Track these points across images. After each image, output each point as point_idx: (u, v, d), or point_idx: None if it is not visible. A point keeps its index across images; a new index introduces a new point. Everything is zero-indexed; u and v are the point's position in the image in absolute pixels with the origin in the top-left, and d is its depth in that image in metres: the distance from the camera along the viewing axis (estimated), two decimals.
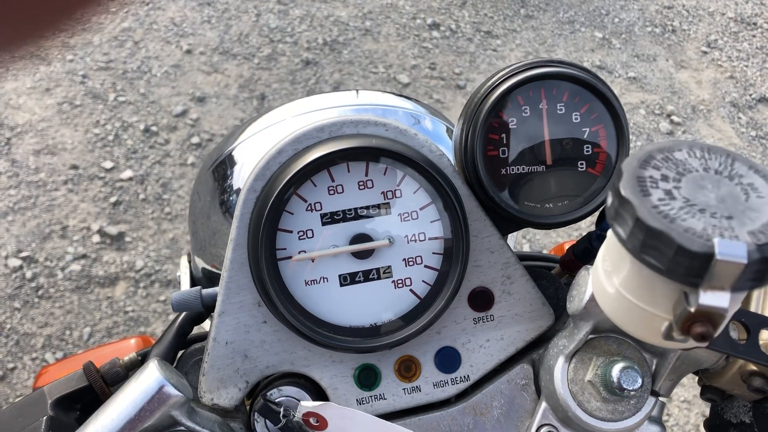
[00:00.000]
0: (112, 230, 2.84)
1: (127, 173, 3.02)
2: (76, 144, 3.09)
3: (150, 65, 3.46)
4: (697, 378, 0.79)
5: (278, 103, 1.34)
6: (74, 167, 3.01)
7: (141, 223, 2.89)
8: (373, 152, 0.71)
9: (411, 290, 0.76)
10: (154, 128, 3.19)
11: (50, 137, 3.11)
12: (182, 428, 0.68)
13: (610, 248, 0.59)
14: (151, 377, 0.66)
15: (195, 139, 3.17)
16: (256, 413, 0.74)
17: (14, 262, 2.71)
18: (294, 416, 0.72)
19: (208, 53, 3.56)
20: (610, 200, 0.53)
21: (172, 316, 2.85)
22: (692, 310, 0.49)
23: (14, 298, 2.65)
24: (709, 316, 0.49)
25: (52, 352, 2.56)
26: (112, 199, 2.93)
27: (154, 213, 2.92)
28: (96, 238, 2.82)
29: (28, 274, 2.70)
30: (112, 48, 3.50)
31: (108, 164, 3.04)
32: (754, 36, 4.26)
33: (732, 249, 0.47)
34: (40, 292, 2.67)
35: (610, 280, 0.58)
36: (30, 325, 2.60)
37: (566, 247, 1.27)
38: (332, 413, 0.70)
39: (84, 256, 2.77)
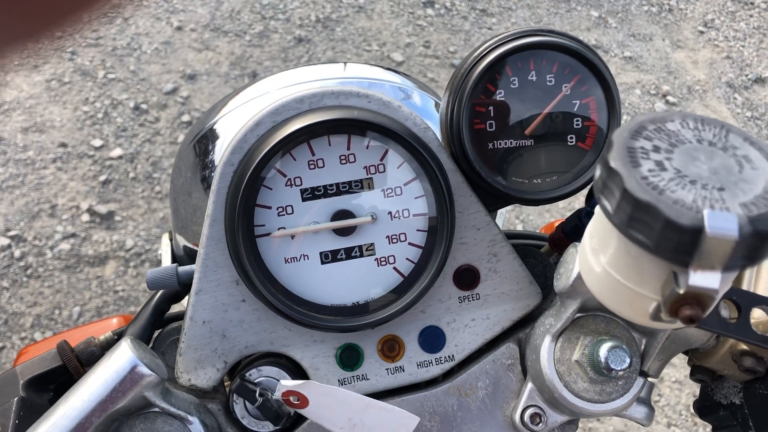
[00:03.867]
0: (102, 209, 2.80)
1: (117, 151, 2.98)
2: (64, 122, 3.05)
3: (140, 42, 3.41)
4: (687, 358, 0.77)
5: None
6: (63, 145, 2.97)
7: (131, 202, 2.86)
8: (355, 124, 0.69)
9: (394, 268, 0.73)
10: (144, 106, 3.15)
11: (38, 114, 3.06)
12: (156, 409, 0.66)
13: (598, 225, 0.56)
14: (123, 357, 0.64)
15: (185, 117, 3.12)
16: (234, 394, 0.72)
17: (2, 241, 2.68)
18: (272, 396, 0.70)
19: (199, 30, 3.50)
20: (598, 172, 0.51)
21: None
22: (681, 291, 0.47)
23: (2, 277, 2.62)
24: (699, 298, 0.47)
25: (42, 331, 2.53)
26: (102, 178, 2.89)
27: (144, 192, 2.89)
28: (85, 217, 2.78)
29: (17, 253, 2.67)
30: (101, 24, 3.43)
31: (97, 142, 3.00)
32: (751, 15, 4.21)
33: (723, 221, 0.44)
34: (28, 271, 2.64)
35: (597, 259, 0.56)
36: (19, 305, 2.58)
37: (556, 225, 1.25)
38: (313, 391, 0.68)
39: (73, 235, 2.74)
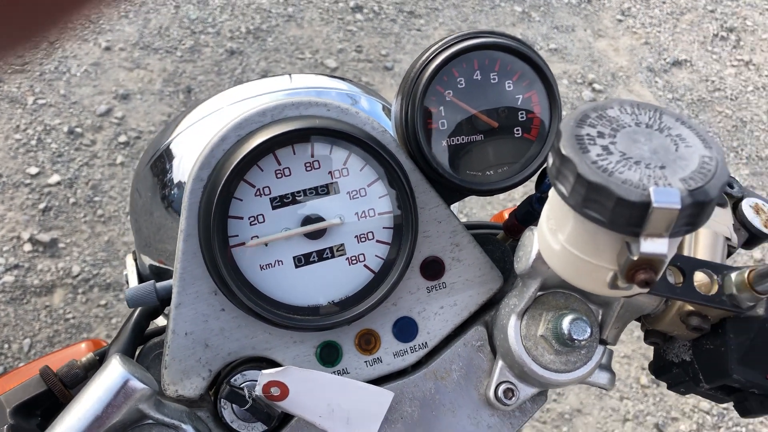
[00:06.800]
0: (44, 237, 2.75)
1: (55, 178, 2.92)
2: None
3: (68, 65, 3.34)
4: (638, 328, 0.84)
5: (205, 95, 1.32)
6: None
7: (74, 228, 2.81)
8: (319, 132, 0.72)
9: (365, 265, 0.77)
10: (78, 129, 3.09)
11: None
12: (151, 421, 0.68)
13: (554, 207, 0.62)
14: (114, 372, 0.66)
15: (122, 138, 3.08)
16: (222, 399, 0.74)
17: None
18: (254, 390, 0.72)
19: (129, 49, 3.46)
20: (551, 160, 0.56)
21: (115, 321, 2.73)
22: (635, 258, 0.52)
23: None
24: (651, 263, 0.53)
25: None
26: (41, 206, 2.83)
27: (86, 216, 2.84)
28: (27, 247, 2.72)
29: None
30: (25, 49, 3.35)
31: (33, 170, 2.93)
32: (664, 2, 4.41)
33: (667, 196, 0.50)
34: None
35: (555, 238, 0.61)
36: None
37: (506, 214, 1.31)
38: (294, 377, 0.72)
39: (16, 266, 2.67)
